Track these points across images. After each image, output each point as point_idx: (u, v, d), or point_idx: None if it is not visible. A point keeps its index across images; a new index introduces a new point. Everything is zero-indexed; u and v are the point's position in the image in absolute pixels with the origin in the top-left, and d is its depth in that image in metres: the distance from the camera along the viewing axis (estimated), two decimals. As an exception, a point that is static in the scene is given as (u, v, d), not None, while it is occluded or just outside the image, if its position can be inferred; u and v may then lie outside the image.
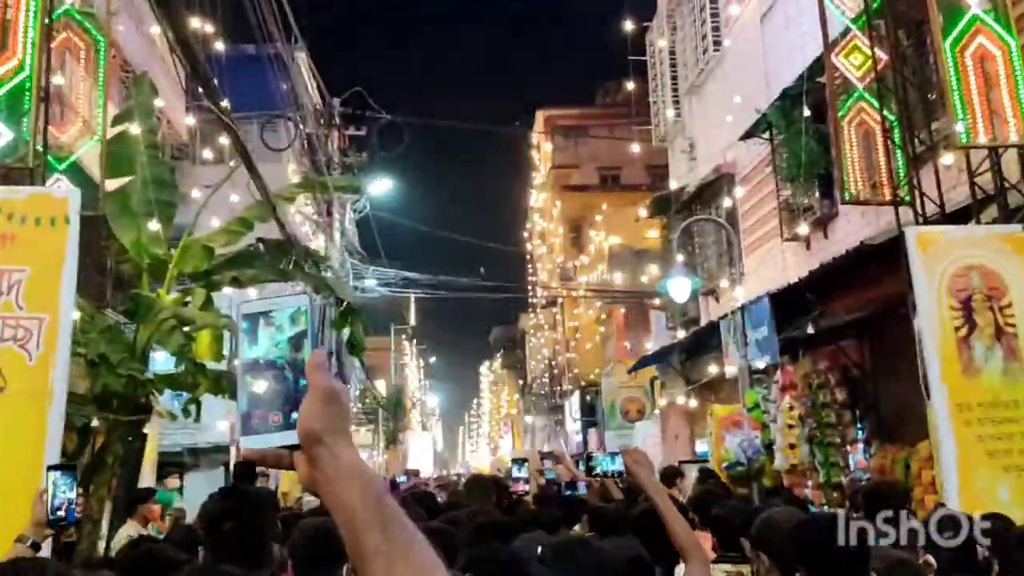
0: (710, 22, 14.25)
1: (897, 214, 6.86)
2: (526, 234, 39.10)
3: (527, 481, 6.35)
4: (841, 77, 7.38)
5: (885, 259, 7.92)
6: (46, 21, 5.54)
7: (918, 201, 6.71)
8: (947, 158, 6.98)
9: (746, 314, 10.27)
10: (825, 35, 7.37)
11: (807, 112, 9.54)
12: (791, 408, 9.17)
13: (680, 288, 10.26)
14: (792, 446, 9.14)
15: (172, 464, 17.47)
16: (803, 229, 10.46)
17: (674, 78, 16.34)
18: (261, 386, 1.11)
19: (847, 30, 7.35)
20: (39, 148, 5.52)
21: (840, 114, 7.29)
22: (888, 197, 7.08)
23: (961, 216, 6.65)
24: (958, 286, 5.59)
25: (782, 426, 9.27)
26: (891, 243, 7.14)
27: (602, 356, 25.86)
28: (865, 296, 8.44)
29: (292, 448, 1.05)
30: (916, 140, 6.90)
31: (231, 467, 17.45)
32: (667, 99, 16.37)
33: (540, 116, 37.69)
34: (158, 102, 12.10)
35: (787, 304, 10.02)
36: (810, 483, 9.30)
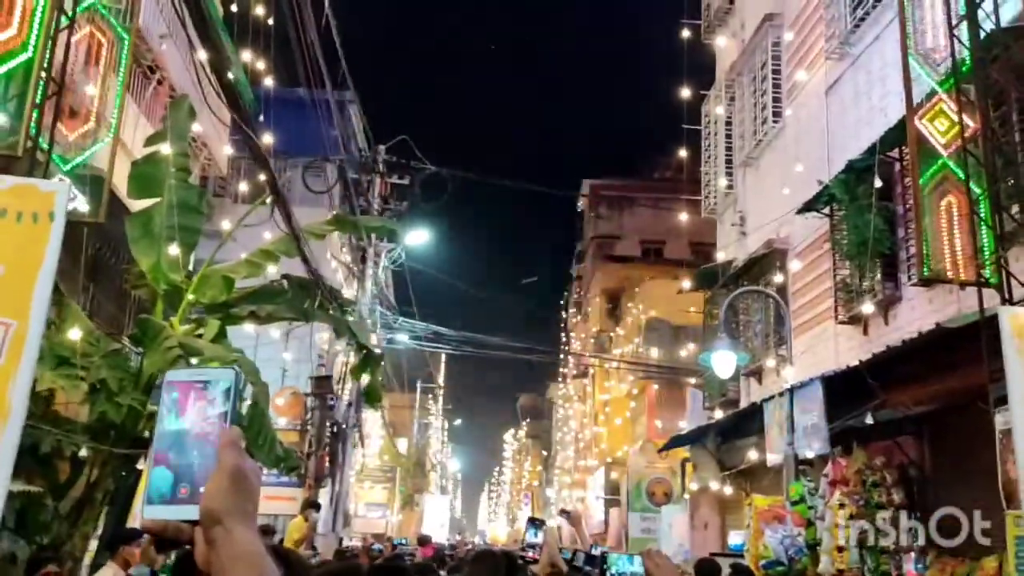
0: (771, 92, 13.73)
1: (980, 296, 6.12)
2: (563, 302, 38.46)
3: (541, 548, 5.67)
4: (923, 143, 6.71)
5: (959, 347, 7.14)
6: (66, 9, 5.14)
7: (1005, 283, 5.98)
8: (1039, 239, 6.26)
9: (795, 397, 9.46)
10: (909, 95, 6.74)
11: (878, 183, 8.84)
12: (842, 506, 8.27)
13: (724, 362, 9.49)
14: (840, 549, 8.21)
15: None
16: (866, 309, 9.67)
17: (728, 148, 15.80)
18: (187, 458, 1.10)
19: (932, 93, 6.71)
20: (42, 141, 5.06)
21: (921, 182, 6.61)
22: (971, 277, 6.34)
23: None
24: (1059, 379, 4.82)
25: (830, 525, 8.35)
26: (971, 328, 6.38)
27: (631, 433, 24.87)
28: (929, 388, 7.63)
29: (195, 523, 1.06)
30: (1005, 216, 6.20)
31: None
32: (720, 169, 15.81)
33: (587, 184, 37.42)
34: (197, 127, 11.83)
35: (840, 391, 9.20)
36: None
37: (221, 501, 1.01)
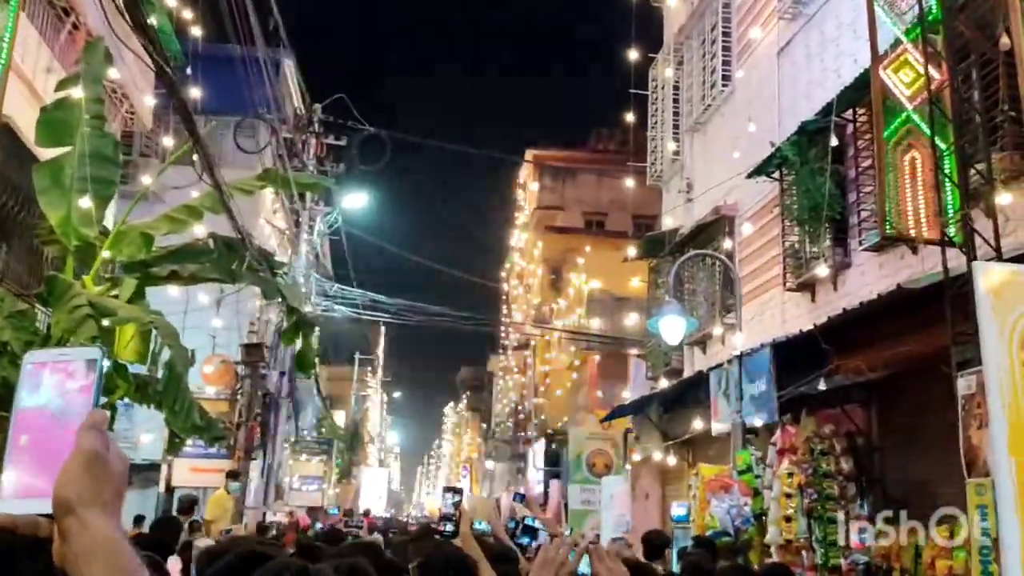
0: (721, 55, 13.39)
1: (944, 255, 5.86)
2: (504, 273, 38.02)
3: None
4: (887, 97, 6.39)
5: (918, 310, 6.91)
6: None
7: (970, 241, 5.71)
8: (1005, 196, 6.00)
9: (743, 365, 9.20)
10: (874, 43, 6.41)
11: (834, 141, 8.54)
12: (790, 475, 8.04)
13: (673, 329, 9.15)
14: (788, 519, 7.99)
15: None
16: (818, 273, 9.41)
17: (675, 114, 15.46)
18: (33, 440, 0.97)
19: (897, 43, 6.39)
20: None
21: (886, 135, 6.29)
22: (935, 235, 6.06)
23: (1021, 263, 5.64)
24: (1033, 340, 4.54)
25: (778, 495, 8.12)
26: (931, 290, 6.13)
27: (573, 404, 24.66)
28: (886, 353, 7.39)
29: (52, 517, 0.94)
30: (972, 173, 5.92)
31: (167, 487, 16.07)
32: (667, 135, 15.47)
33: (529, 155, 36.88)
34: (113, 73, 10.99)
35: (788, 358, 8.97)
36: (805, 563, 8.12)
37: (74, 488, 0.92)
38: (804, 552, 8.08)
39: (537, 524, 4.30)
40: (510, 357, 36.36)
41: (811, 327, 8.73)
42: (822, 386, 7.90)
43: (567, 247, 30.81)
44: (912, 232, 6.38)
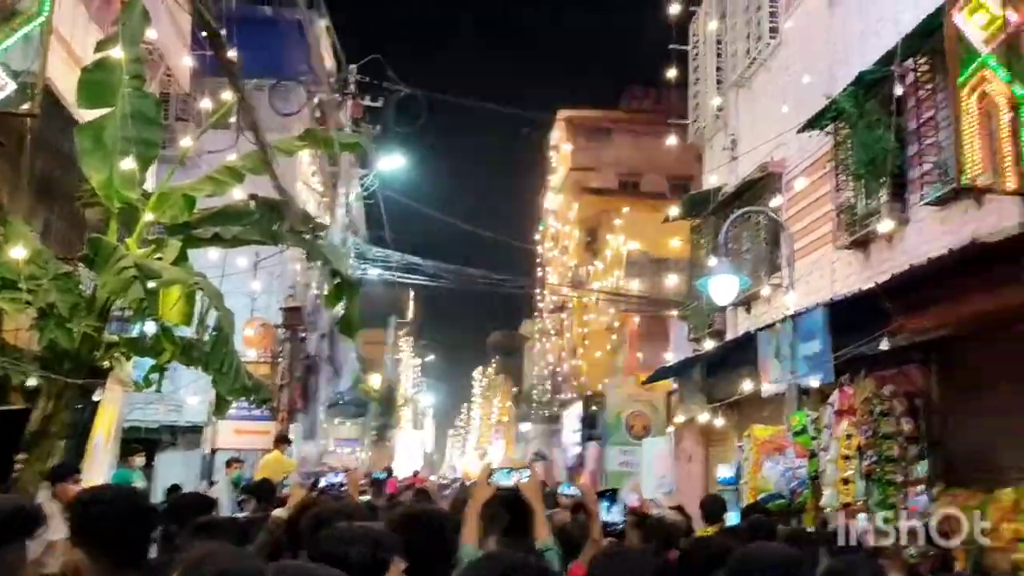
0: (767, 7, 12.95)
1: (1024, 208, 5.58)
2: (538, 236, 37.77)
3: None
4: (960, 37, 6.06)
5: (983, 268, 6.62)
6: None
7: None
8: (1089, 145, 5.68)
9: (796, 325, 8.96)
10: (949, -18, 6.06)
11: (899, 90, 8.18)
12: (848, 436, 7.83)
13: (725, 288, 8.91)
14: (846, 481, 7.80)
15: (146, 441, 16.19)
16: (880, 228, 9.07)
17: (718, 69, 15.04)
18: None
19: (971, -17, 6.05)
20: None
21: (960, 80, 5.98)
22: (1015, 186, 5.76)
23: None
24: None
25: (835, 456, 7.92)
26: (1012, 242, 5.84)
27: (611, 366, 24.51)
28: (954, 311, 7.12)
29: None
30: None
31: (211, 451, 16.19)
32: (710, 90, 15.07)
33: (561, 115, 36.42)
34: (151, 33, 10.86)
35: (843, 318, 8.71)
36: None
37: None
38: (862, 515, 7.89)
39: (573, 491, 4.22)
40: (546, 320, 36.24)
41: (868, 285, 8.47)
42: (884, 346, 7.65)
43: (602, 208, 30.50)
44: (989, 183, 6.08)
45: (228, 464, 12.61)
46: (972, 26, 5.99)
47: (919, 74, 8.76)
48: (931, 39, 7.90)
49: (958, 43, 6.02)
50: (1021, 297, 5.52)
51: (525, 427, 40.81)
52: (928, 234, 8.87)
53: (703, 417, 13.57)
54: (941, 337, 7.99)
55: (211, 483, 12.71)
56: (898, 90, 8.22)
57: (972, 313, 6.75)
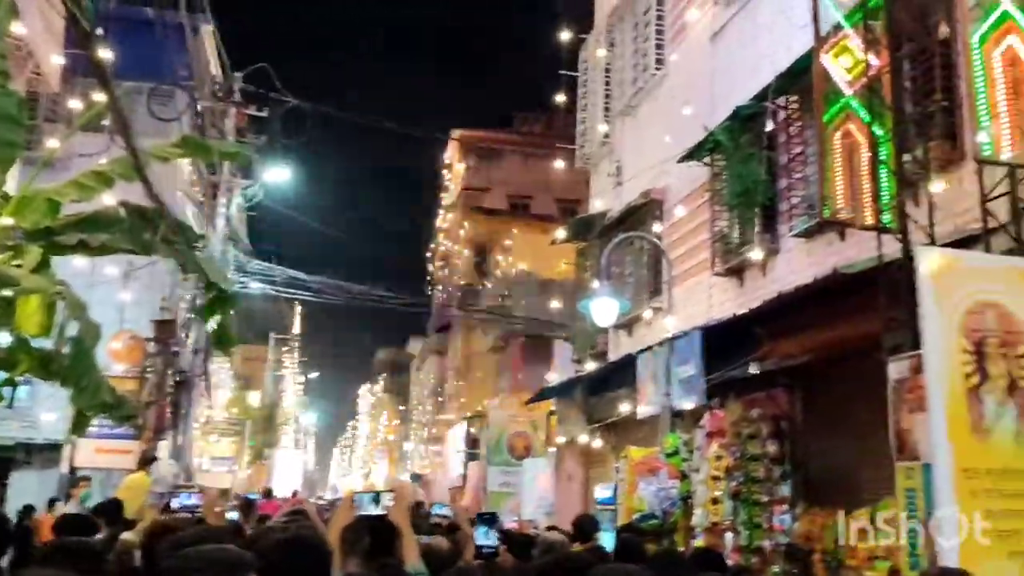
0: (654, 39, 13.35)
1: (880, 241, 5.89)
2: (429, 254, 37.63)
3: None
4: (826, 81, 6.39)
5: (844, 297, 6.97)
6: None
7: (906, 228, 5.74)
8: (937, 185, 6.06)
9: (673, 348, 9.20)
10: (817, 28, 6.38)
11: (769, 125, 8.56)
12: (718, 458, 8.06)
13: (605, 310, 9.09)
14: (715, 501, 8.03)
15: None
16: (752, 257, 9.43)
17: (606, 96, 15.39)
18: None
19: (837, 27, 6.38)
20: None
21: (825, 118, 6.29)
22: (870, 221, 6.09)
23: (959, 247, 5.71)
24: (972, 325, 4.57)
25: (706, 477, 8.15)
26: (864, 275, 6.17)
27: (494, 387, 24.55)
28: (816, 337, 7.46)
29: None
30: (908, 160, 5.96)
31: (70, 470, 15.25)
32: (597, 116, 15.39)
33: (455, 135, 36.48)
34: (18, 28, 10.29)
35: (717, 342, 9.00)
36: (729, 545, 8.18)
37: None
38: (729, 534, 8.13)
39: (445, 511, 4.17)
40: (432, 338, 36.06)
41: (739, 312, 8.78)
42: (754, 370, 7.93)
43: (493, 228, 30.67)
44: (850, 217, 6.41)
45: (73, 485, 11.98)
46: (838, 68, 6.32)
47: (790, 111, 9.19)
48: (802, 78, 8.30)
49: (825, 83, 6.34)
50: (878, 325, 5.80)
51: (409, 446, 40.41)
52: (796, 264, 9.29)
53: (583, 438, 13.73)
54: (805, 362, 8.36)
55: (52, 502, 11.93)
56: (769, 125, 8.61)
57: (834, 340, 7.08)
